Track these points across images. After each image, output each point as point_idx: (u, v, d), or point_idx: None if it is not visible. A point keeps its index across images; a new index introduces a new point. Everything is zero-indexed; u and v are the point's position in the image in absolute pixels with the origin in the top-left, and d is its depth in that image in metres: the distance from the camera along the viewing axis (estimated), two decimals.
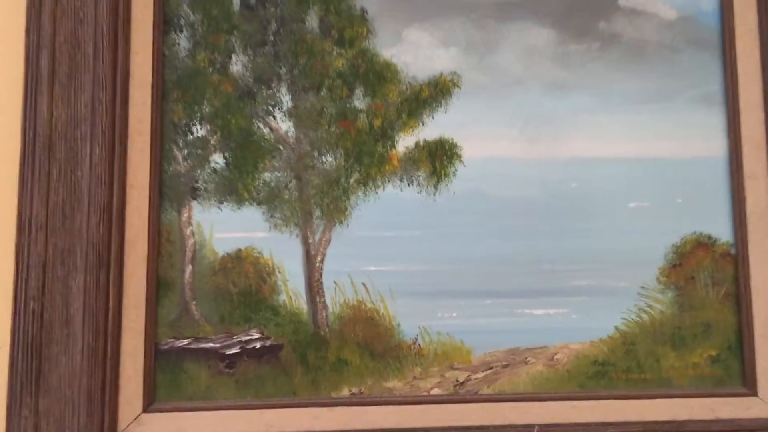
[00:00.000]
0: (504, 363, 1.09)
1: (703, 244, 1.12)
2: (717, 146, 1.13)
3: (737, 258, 1.11)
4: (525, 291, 1.10)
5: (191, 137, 1.08)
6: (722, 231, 1.12)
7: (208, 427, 1.02)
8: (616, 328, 1.11)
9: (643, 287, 1.11)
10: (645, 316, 1.11)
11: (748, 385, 1.08)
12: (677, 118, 1.14)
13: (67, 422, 0.98)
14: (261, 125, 1.09)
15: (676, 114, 1.14)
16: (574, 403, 1.06)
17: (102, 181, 1.01)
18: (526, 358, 1.10)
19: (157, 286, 1.04)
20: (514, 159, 1.11)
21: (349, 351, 1.07)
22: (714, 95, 1.14)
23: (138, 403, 1.01)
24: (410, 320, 1.09)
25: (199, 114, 1.08)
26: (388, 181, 1.10)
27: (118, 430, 1.00)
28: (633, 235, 1.12)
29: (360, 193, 1.10)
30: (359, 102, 1.11)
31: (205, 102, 1.08)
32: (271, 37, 1.10)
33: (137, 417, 1.01)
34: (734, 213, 1.11)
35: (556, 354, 1.10)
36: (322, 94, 1.10)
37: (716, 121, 1.13)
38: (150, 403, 1.02)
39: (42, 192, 0.97)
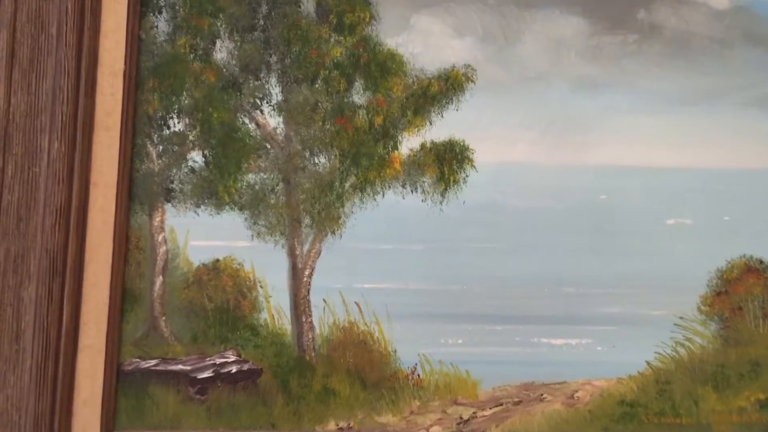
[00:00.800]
0: (516, 399, 1.04)
1: (753, 269, 1.06)
2: None
3: None
4: (543, 317, 1.05)
5: (167, 132, 1.03)
6: None
7: None
8: (649, 363, 1.04)
9: (681, 317, 1.05)
10: (682, 351, 1.05)
11: None
12: (726, 123, 1.08)
13: None
14: (246, 120, 1.05)
15: (725, 118, 1.08)
16: None
17: (60, 178, 0.94)
18: (542, 394, 1.04)
19: (122, 299, 0.99)
20: (534, 165, 1.06)
21: (337, 379, 1.02)
22: None
23: (95, 430, 0.95)
24: (409, 346, 1.03)
25: (177, 106, 1.03)
26: (389, 187, 1.06)
27: None
28: (671, 256, 1.06)
29: (356, 200, 1.05)
30: (358, 97, 1.06)
31: (185, 93, 1.03)
32: (261, 22, 1.05)
33: None
34: None
35: (576, 391, 1.04)
36: (316, 86, 1.05)
37: None
38: (109, 431, 0.96)
39: None
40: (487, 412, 1.03)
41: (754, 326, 1.05)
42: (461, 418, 1.02)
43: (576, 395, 1.04)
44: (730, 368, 1.04)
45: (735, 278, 1.06)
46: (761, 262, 1.06)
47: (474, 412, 1.02)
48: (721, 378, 1.04)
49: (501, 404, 1.03)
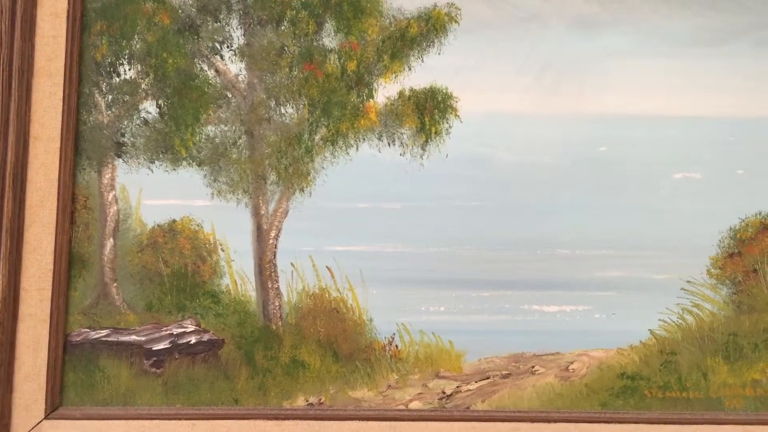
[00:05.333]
0: (504, 372, 1.03)
1: None
2: None
3: None
4: (535, 282, 1.03)
5: (117, 80, 1.01)
6: None
7: None
8: (652, 332, 1.03)
9: (688, 281, 1.04)
10: (690, 319, 1.03)
11: None
12: (741, 66, 1.04)
13: None
14: (205, 66, 1.02)
15: (739, 61, 1.04)
16: (594, 426, 0.99)
17: None
18: (533, 366, 1.03)
19: (69, 264, 0.97)
20: (526, 115, 1.04)
21: (307, 350, 1.01)
22: None
23: (38, 407, 0.94)
24: (386, 315, 1.02)
25: (127, 51, 1.01)
26: (364, 140, 1.04)
27: None
28: (678, 214, 1.04)
29: (327, 154, 1.03)
30: (329, 40, 1.03)
31: (136, 37, 1.01)
32: None
33: (37, 424, 0.95)
34: None
35: (571, 363, 1.03)
36: (282, 28, 1.03)
37: None
38: (54, 408, 0.95)
39: None
40: (473, 386, 1.02)
41: None
42: (444, 392, 1.02)
43: (571, 367, 1.03)
44: (743, 337, 1.04)
45: (749, 238, 1.05)
46: None
47: (458, 386, 1.02)
48: (733, 348, 1.03)
49: (488, 377, 1.02)
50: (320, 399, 0.99)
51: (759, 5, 1.04)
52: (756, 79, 1.04)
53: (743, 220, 1.03)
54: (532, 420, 0.98)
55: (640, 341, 1.03)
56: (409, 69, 1.03)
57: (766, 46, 1.04)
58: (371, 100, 1.03)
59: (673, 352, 1.02)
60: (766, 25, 1.04)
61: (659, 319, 1.02)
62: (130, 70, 1.00)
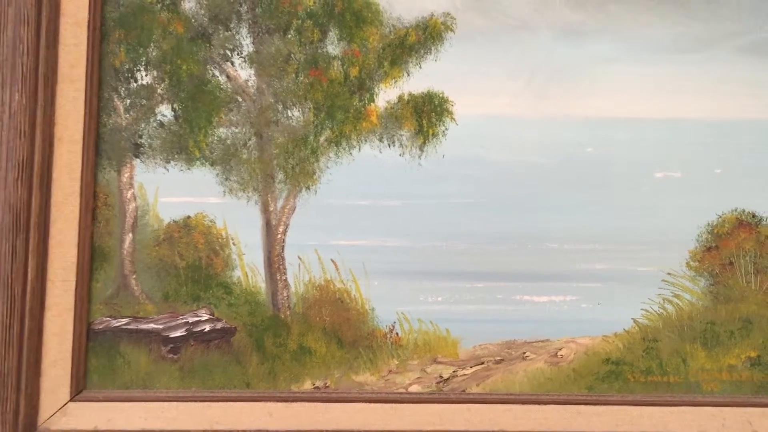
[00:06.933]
0: (497, 358, 1.03)
1: (745, 223, 1.05)
2: (765, 105, 1.05)
3: None
4: (525, 274, 1.03)
5: (134, 85, 1.01)
6: None
7: (144, 421, 0.96)
8: (635, 321, 1.03)
9: (669, 273, 1.04)
10: (670, 308, 1.03)
11: None
12: (718, 72, 1.05)
13: None
14: (216, 72, 1.02)
15: (716, 66, 1.05)
16: (580, 408, 0.99)
17: (21, 131, 0.92)
18: (525, 352, 1.03)
19: (91, 257, 0.97)
20: (517, 118, 1.04)
21: (313, 338, 1.01)
22: (764, 44, 1.05)
23: (64, 390, 0.95)
24: (387, 304, 1.02)
25: (144, 58, 1.01)
26: (365, 141, 1.03)
27: (39, 421, 0.94)
28: (659, 210, 1.04)
29: (331, 154, 1.03)
30: (333, 47, 1.03)
31: (152, 44, 1.01)
32: None
33: (63, 406, 0.95)
34: None
35: (560, 349, 1.03)
36: (289, 37, 1.03)
37: (765, 75, 1.05)
38: (79, 391, 0.96)
39: None
40: (468, 371, 1.02)
41: (746, 282, 1.04)
42: (441, 377, 1.01)
43: (560, 353, 1.03)
44: (719, 325, 1.03)
45: (726, 233, 1.04)
46: (753, 216, 1.04)
47: (454, 371, 1.02)
48: (711, 335, 1.03)
49: (482, 363, 1.02)
50: (326, 383, 1.00)
51: (734, 16, 1.05)
52: (732, 84, 1.04)
53: (720, 217, 1.04)
54: (524, 402, 0.98)
55: (624, 329, 1.03)
56: (408, 75, 1.03)
57: (741, 53, 1.05)
58: (372, 103, 1.03)
59: (654, 339, 1.02)
60: (741, 34, 1.05)
61: (642, 309, 1.03)
62: (146, 75, 1.01)
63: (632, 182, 1.04)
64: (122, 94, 1.00)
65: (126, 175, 1.00)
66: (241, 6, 1.02)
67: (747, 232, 1.04)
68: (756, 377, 1.02)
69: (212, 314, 1.00)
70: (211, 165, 1.01)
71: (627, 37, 1.04)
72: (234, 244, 1.01)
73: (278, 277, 1.01)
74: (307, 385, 0.99)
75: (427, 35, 1.03)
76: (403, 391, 1.00)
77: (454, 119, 1.03)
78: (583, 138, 1.03)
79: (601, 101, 1.04)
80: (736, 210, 1.04)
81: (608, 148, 1.04)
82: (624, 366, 1.02)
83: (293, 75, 1.02)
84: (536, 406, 0.98)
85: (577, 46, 1.04)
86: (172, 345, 0.98)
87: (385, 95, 1.03)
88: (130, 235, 1.00)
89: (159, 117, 1.01)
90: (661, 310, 1.03)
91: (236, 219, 1.01)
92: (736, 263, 1.04)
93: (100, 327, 0.97)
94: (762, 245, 1.04)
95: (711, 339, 1.02)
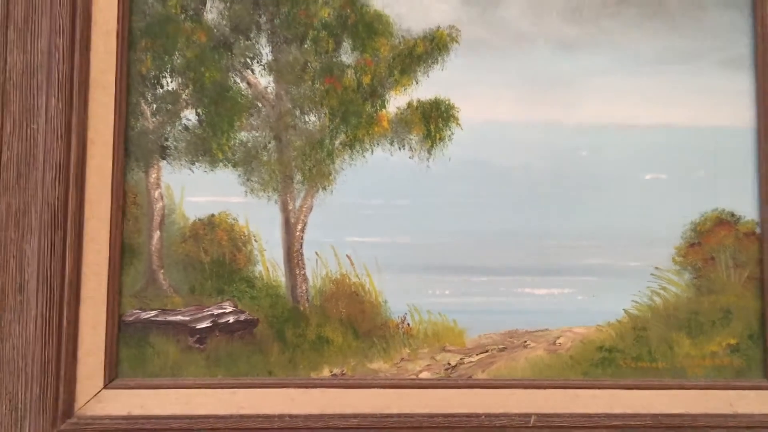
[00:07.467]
0: (501, 346, 1.05)
1: (725, 221, 1.07)
2: (743, 115, 1.08)
3: (762, 238, 1.06)
4: (526, 268, 1.05)
5: (160, 91, 1.02)
6: (746, 208, 1.07)
7: (174, 407, 0.97)
8: (626, 311, 1.06)
9: (657, 268, 1.06)
10: (658, 300, 1.06)
11: None
12: (700, 83, 1.08)
13: (20, 395, 0.93)
14: (238, 79, 1.04)
15: (699, 78, 1.08)
16: (577, 392, 1.02)
17: (58, 135, 0.95)
18: (526, 341, 1.05)
19: (122, 253, 0.99)
20: (517, 123, 1.06)
21: (330, 328, 1.03)
22: (742, 58, 1.08)
23: (98, 378, 0.97)
24: (398, 297, 1.04)
25: (169, 65, 1.02)
26: (377, 144, 1.05)
27: (76, 407, 0.96)
28: (647, 210, 1.07)
29: (346, 157, 1.04)
30: (347, 56, 1.05)
31: (177, 52, 1.03)
32: None
33: (97, 393, 0.97)
34: (760, 188, 1.06)
35: (558, 338, 1.05)
36: (305, 46, 1.05)
37: (744, 87, 1.08)
38: (112, 379, 0.98)
39: None
40: (474, 359, 1.04)
41: (726, 275, 1.06)
42: (449, 364, 1.03)
43: (558, 342, 1.05)
44: (702, 315, 1.06)
45: (707, 230, 1.06)
46: (732, 215, 1.07)
47: (461, 359, 1.03)
48: (695, 324, 1.06)
49: (487, 351, 1.04)
50: (342, 370, 1.01)
51: (718, 31, 1.09)
52: (712, 94, 1.08)
53: (703, 215, 1.06)
54: (525, 387, 1.01)
55: (616, 319, 1.04)
56: (417, 83, 1.05)
57: (724, 66, 1.09)
58: (384, 109, 1.05)
59: (644, 328, 1.04)
60: (724, 48, 1.09)
61: (632, 300, 1.05)
62: (171, 82, 1.02)
63: (623, 184, 1.06)
64: (149, 99, 1.01)
65: (153, 175, 1.01)
66: (260, 17, 1.04)
67: (727, 230, 1.07)
68: (735, 363, 1.05)
69: (236, 306, 1.01)
70: (234, 166, 1.02)
71: (618, 50, 1.07)
72: (255, 240, 1.02)
73: (297, 272, 1.03)
74: (326, 373, 1.01)
75: (434, 46, 1.05)
76: (414, 377, 1.02)
77: (459, 124, 1.05)
78: (578, 143, 1.06)
79: (595, 109, 1.06)
80: (716, 209, 1.06)
81: (601, 152, 1.06)
82: (616, 353, 1.04)
83: (310, 82, 1.04)
84: (537, 390, 1.01)
85: (571, 58, 1.06)
86: (198, 335, 0.99)
87: (396, 102, 1.05)
88: (158, 232, 1.01)
89: (184, 121, 1.02)
90: (649, 302, 1.05)
91: (257, 217, 1.02)
92: (717, 258, 1.06)
93: (131, 319, 0.99)
94: (740, 241, 1.07)
95: (695, 328, 1.05)
